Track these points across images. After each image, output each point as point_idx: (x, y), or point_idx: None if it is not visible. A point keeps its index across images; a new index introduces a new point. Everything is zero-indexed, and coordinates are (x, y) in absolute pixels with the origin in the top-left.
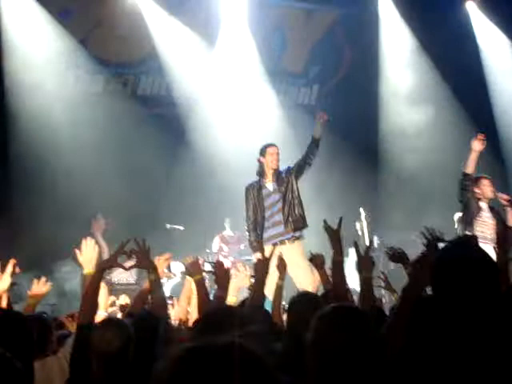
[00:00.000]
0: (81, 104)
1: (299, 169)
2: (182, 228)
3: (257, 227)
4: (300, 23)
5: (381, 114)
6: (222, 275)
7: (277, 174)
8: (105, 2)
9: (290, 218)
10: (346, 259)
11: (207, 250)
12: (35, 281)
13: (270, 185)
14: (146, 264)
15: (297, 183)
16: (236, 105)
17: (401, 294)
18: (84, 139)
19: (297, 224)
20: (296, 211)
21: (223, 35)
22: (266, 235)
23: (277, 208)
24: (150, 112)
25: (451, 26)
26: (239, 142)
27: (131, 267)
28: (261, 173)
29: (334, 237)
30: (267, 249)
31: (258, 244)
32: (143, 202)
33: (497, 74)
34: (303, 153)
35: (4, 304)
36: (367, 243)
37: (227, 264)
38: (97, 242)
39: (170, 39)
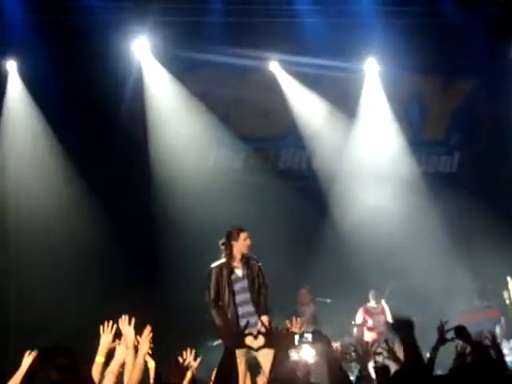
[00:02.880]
0: (223, 179)
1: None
2: (328, 301)
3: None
4: (438, 91)
5: None
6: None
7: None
8: (244, 79)
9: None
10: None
11: (352, 322)
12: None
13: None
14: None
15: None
16: (377, 176)
17: None
18: (225, 214)
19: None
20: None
21: (362, 107)
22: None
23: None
24: (291, 185)
25: None
26: (380, 215)
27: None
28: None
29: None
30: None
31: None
32: (291, 274)
33: None
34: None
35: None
36: None
37: (371, 336)
38: None
39: (309, 112)
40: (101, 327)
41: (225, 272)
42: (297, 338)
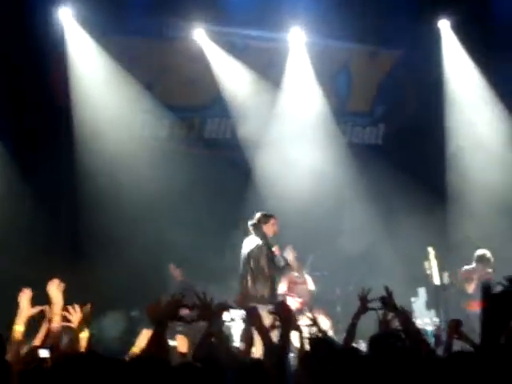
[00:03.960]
0: (148, 148)
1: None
2: None
3: None
4: (365, 62)
5: (448, 152)
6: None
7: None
8: (170, 47)
9: None
10: (415, 299)
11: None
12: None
13: None
14: (208, 316)
15: None
16: (302, 147)
17: None
18: (151, 183)
19: None
20: None
21: (288, 77)
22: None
23: None
24: (217, 154)
25: None
26: (306, 183)
27: (193, 321)
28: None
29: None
30: None
31: None
32: (213, 247)
33: None
34: None
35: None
36: (436, 282)
37: (295, 305)
38: None
39: (235, 82)
40: (19, 294)
41: (265, 250)
42: (228, 314)
